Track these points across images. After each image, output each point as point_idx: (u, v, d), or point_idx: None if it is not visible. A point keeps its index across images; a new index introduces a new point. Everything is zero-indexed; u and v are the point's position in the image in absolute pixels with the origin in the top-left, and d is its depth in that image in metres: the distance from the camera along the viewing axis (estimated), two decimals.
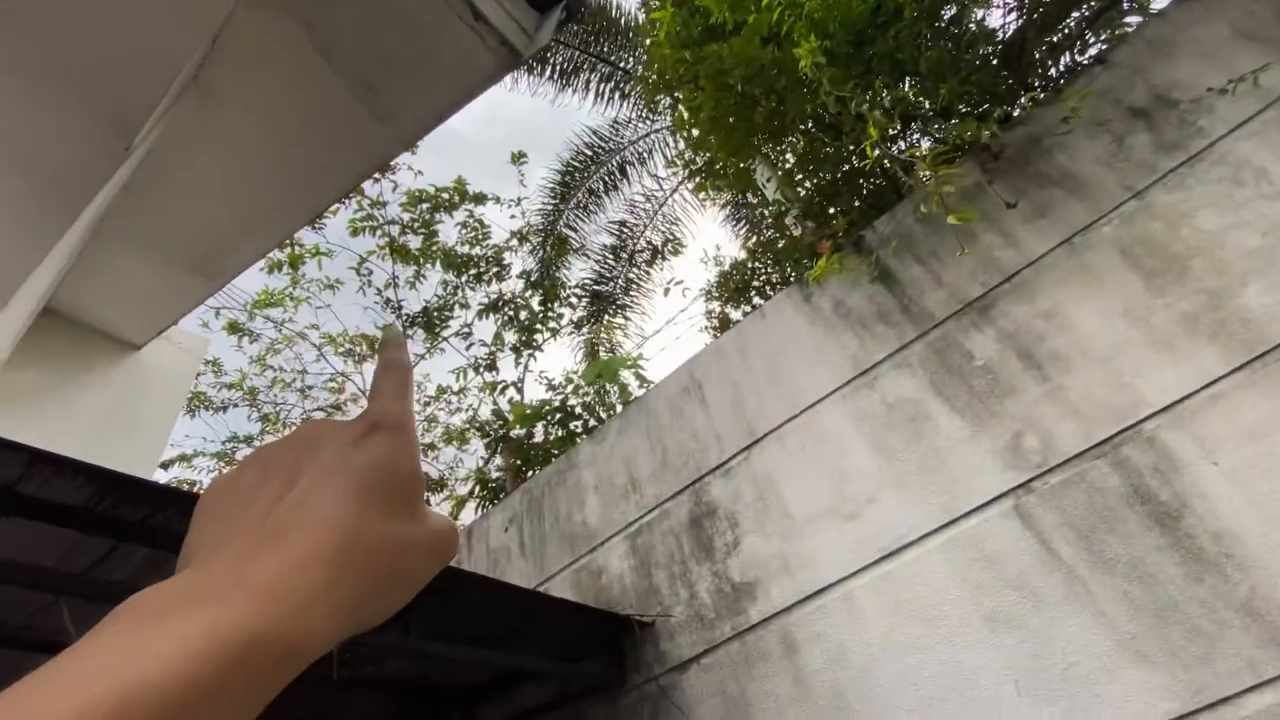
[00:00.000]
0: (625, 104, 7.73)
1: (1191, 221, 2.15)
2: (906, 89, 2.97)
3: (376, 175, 6.36)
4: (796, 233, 3.94)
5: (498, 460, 6.87)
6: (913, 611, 2.16)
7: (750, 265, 5.17)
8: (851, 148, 3.45)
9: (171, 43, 1.86)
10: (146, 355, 4.52)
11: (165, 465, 8.13)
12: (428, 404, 8.65)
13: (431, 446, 8.79)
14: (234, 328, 7.61)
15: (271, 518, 0.26)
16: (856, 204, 3.68)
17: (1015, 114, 2.85)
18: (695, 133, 3.79)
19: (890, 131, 2.91)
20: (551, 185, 7.79)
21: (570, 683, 2.90)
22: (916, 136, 3.71)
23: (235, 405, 8.72)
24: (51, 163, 1.74)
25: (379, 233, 6.86)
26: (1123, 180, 2.36)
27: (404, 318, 7.52)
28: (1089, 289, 2.27)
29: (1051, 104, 2.64)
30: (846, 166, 3.68)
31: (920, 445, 2.39)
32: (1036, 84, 3.26)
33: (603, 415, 5.40)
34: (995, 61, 3.11)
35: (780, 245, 3.85)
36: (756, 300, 5.07)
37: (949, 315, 2.55)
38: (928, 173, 2.60)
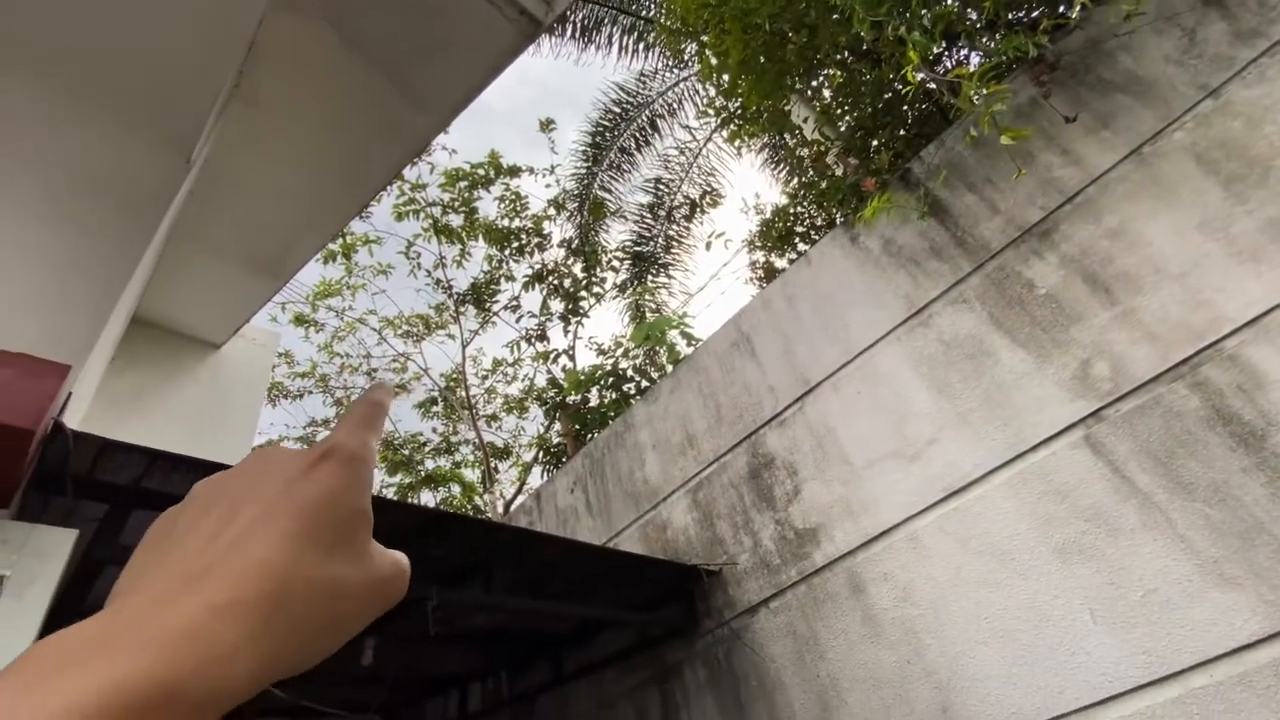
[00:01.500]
0: (650, 54, 7.51)
1: (1276, 117, 1.96)
2: (948, 3, 2.78)
3: (414, 159, 6.47)
4: (838, 172, 3.81)
5: (557, 426, 7.09)
6: (981, 547, 2.16)
7: (792, 211, 5.04)
8: (892, 75, 3.28)
9: (212, 55, 1.94)
10: (227, 353, 4.85)
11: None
12: (485, 377, 8.95)
13: (494, 417, 9.13)
14: (300, 319, 8.01)
15: (203, 556, 0.25)
16: (900, 135, 3.51)
17: (1071, 18, 2.62)
18: (725, 79, 3.67)
19: (933, 52, 2.75)
20: (583, 148, 7.71)
21: (647, 629, 3.06)
22: (963, 54, 3.49)
23: (310, 392, 9.25)
24: (125, 185, 1.87)
25: (422, 215, 7.02)
26: (1196, 79, 2.17)
27: (454, 296, 7.73)
28: (1161, 202, 2.13)
29: (1111, 2, 2.43)
30: (888, 95, 3.50)
31: (981, 381, 2.33)
32: None
33: (654, 376, 5.47)
34: None
35: (822, 187, 3.73)
36: (801, 247, 4.96)
37: (1006, 244, 2.44)
38: (976, 93, 2.46)
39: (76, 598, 1.68)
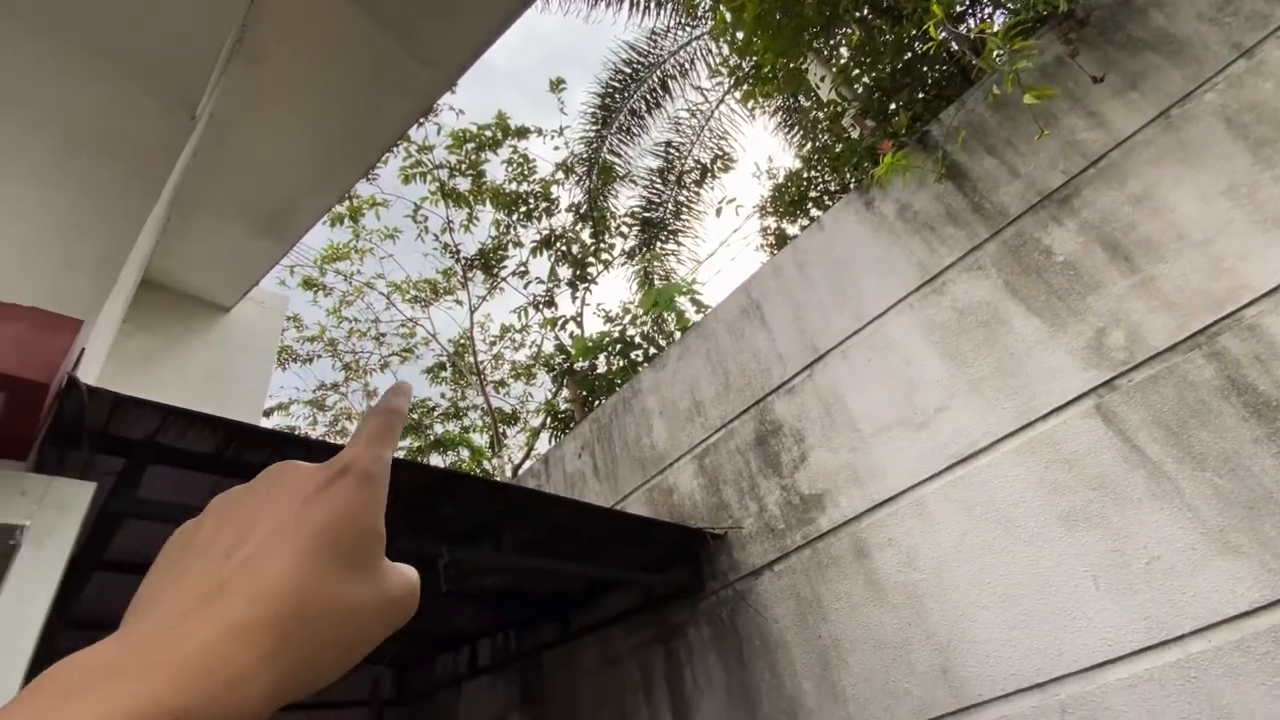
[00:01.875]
0: (663, 11, 7.29)
1: None
2: None
3: (420, 119, 6.36)
4: (855, 134, 3.71)
5: (565, 393, 7.13)
6: (986, 514, 2.17)
7: (806, 175, 4.93)
8: (913, 32, 3.16)
9: (214, 10, 1.90)
10: (236, 316, 4.88)
11: (267, 414, 8.88)
12: (493, 343, 8.97)
13: (502, 383, 9.19)
14: (308, 283, 8.02)
15: (218, 575, 0.25)
16: (920, 96, 3.42)
17: None
18: (739, 36, 3.56)
19: (956, 9, 2.65)
20: (591, 110, 7.56)
21: (652, 590, 3.12)
22: (988, 11, 3.36)
23: (319, 356, 9.33)
24: (129, 142, 1.85)
25: (429, 178, 6.94)
26: (1230, 37, 2.08)
27: (462, 261, 7.70)
28: (1187, 167, 2.07)
29: None
30: (908, 55, 3.39)
31: (994, 350, 2.31)
32: None
33: (661, 343, 5.46)
34: None
35: (838, 150, 3.64)
36: (814, 212, 4.87)
37: (1025, 210, 2.39)
38: (1001, 51, 2.37)
39: (97, 549, 1.72)
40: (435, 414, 9.10)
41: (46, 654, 2.27)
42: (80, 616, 2.40)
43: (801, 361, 2.96)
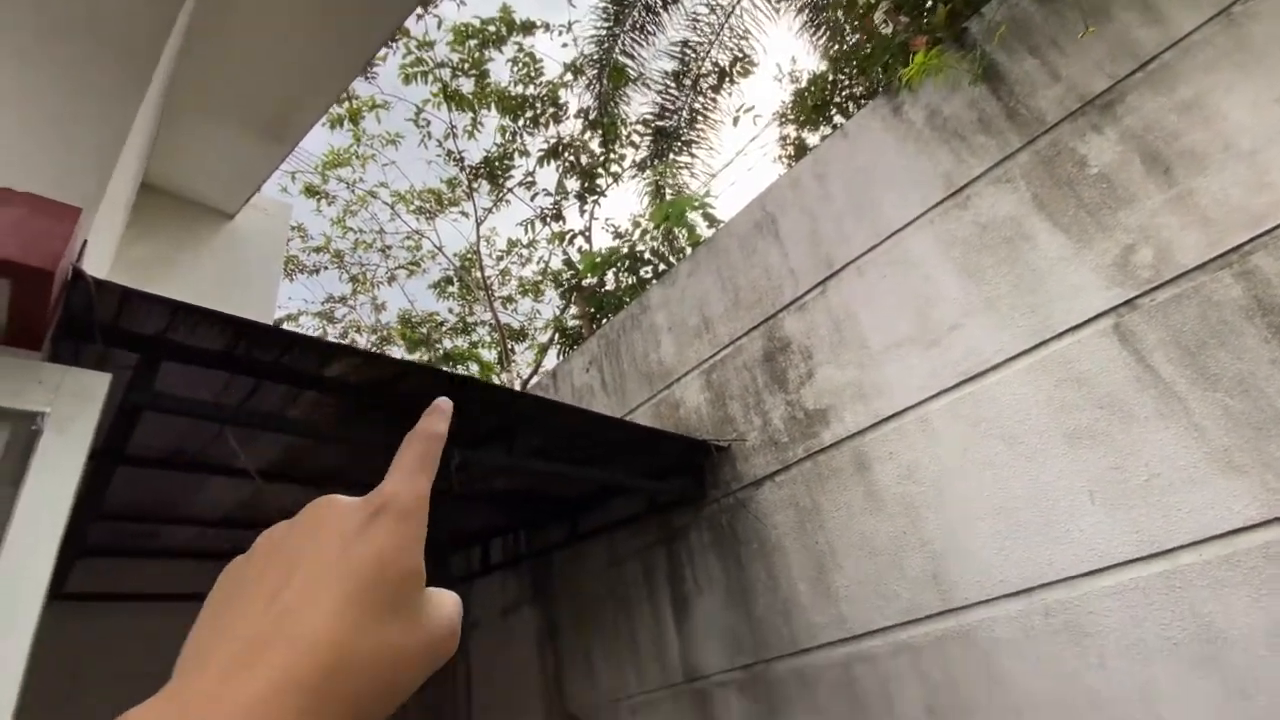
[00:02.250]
0: None
1: None
2: None
3: (420, 11, 5.96)
4: (887, 31, 3.45)
5: (573, 310, 7.10)
6: (990, 431, 2.19)
7: (831, 78, 4.63)
8: None
9: None
10: (241, 223, 4.81)
11: (276, 324, 8.96)
12: (500, 258, 8.86)
13: (509, 299, 9.16)
14: (310, 190, 7.83)
15: (261, 624, 0.25)
16: None
17: None
18: None
19: None
20: (603, 5, 7.03)
21: (657, 497, 3.24)
22: None
23: (326, 268, 9.27)
24: (117, 24, 1.73)
25: (431, 78, 6.59)
26: None
27: (466, 170, 7.46)
28: (1243, 71, 1.92)
29: None
30: None
31: (1015, 267, 2.25)
32: None
33: (672, 260, 5.36)
34: None
35: (867, 49, 3.40)
36: (838, 120, 4.62)
37: (1063, 117, 2.25)
38: None
39: (120, 441, 1.78)
40: (444, 328, 9.14)
41: (80, 543, 2.40)
42: (109, 509, 2.52)
43: (815, 277, 2.90)
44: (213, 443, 2.26)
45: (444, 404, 0.35)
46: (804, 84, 5.16)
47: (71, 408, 1.16)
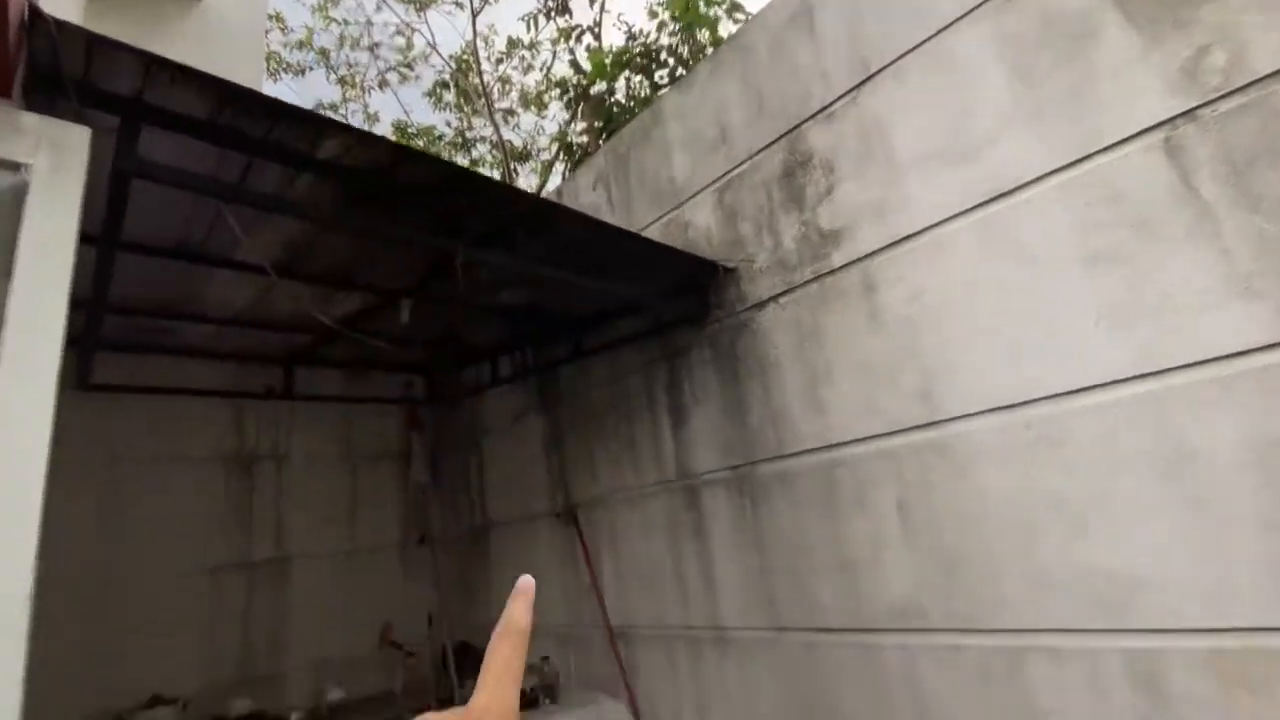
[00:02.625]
0: None
1: None
2: None
3: None
4: None
5: (579, 124, 6.62)
6: (1007, 252, 2.14)
7: None
8: None
9: None
10: (212, 5, 4.34)
11: None
12: (499, 61, 8.07)
13: (511, 112, 8.53)
14: None
15: None
16: None
17: None
18: None
19: None
20: None
21: (660, 315, 3.28)
22: None
23: (311, 68, 8.51)
24: None
25: None
26: None
27: None
28: None
29: None
30: None
31: (1073, 68, 2.03)
32: None
33: (691, 63, 4.85)
34: None
35: None
36: None
37: None
38: None
39: (115, 226, 1.74)
40: (442, 142, 8.62)
41: (94, 332, 2.46)
42: (118, 302, 2.56)
43: (848, 82, 2.64)
44: (214, 233, 2.21)
45: (527, 584, 0.37)
46: None
47: (56, 158, 1.10)
